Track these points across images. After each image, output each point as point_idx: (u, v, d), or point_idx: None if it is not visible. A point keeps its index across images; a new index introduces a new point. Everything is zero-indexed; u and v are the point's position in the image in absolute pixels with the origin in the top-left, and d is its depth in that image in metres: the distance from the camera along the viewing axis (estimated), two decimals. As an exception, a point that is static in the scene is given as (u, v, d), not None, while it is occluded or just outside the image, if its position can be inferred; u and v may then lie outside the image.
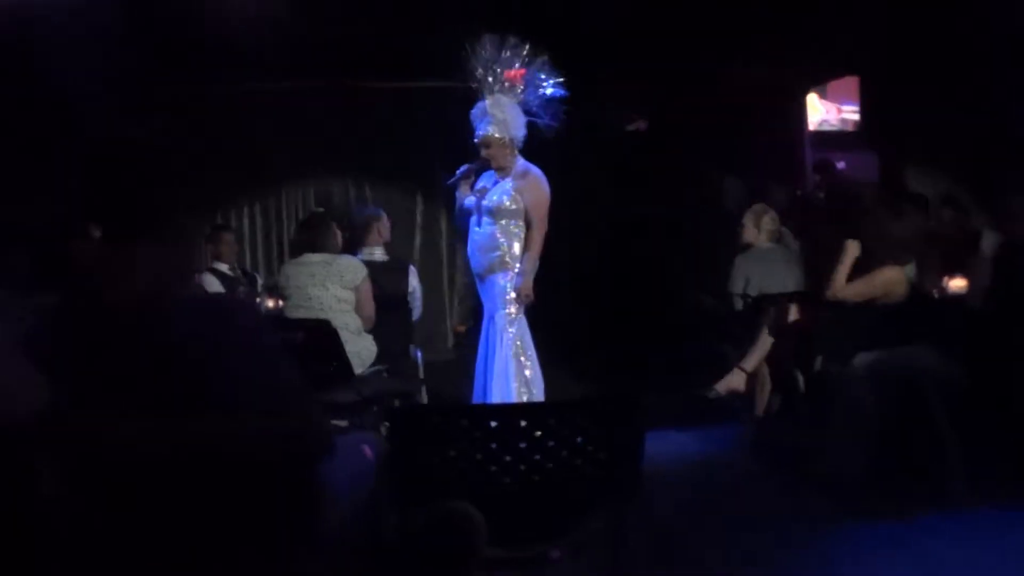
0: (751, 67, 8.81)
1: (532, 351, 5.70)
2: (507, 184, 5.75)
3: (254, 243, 9.37)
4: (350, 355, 5.43)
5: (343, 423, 5.31)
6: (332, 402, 5.02)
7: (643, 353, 7.41)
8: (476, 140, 5.75)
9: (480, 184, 5.88)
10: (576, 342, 8.15)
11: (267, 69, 7.94)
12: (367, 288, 5.79)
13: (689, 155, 8.97)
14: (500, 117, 5.68)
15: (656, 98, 9.31)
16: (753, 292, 6.50)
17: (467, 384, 5.91)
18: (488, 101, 5.71)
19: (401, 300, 6.27)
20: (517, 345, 5.66)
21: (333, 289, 5.70)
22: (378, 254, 6.34)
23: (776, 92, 9.38)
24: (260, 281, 7.53)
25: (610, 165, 9.13)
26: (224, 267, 6.93)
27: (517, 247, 5.74)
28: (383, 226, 6.39)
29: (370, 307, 5.82)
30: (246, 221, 9.36)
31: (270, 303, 6.00)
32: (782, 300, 6.19)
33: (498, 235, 5.74)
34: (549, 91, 5.75)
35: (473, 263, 5.91)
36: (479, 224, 5.81)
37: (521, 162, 5.78)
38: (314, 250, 5.79)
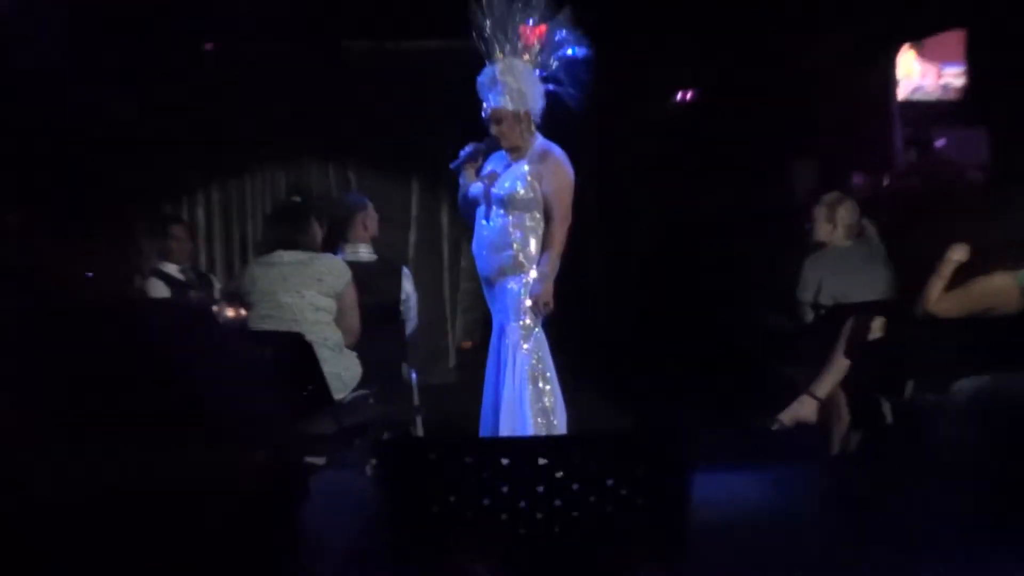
0: (824, 23, 8.77)
1: (552, 372, 5.72)
2: (522, 168, 5.78)
3: (211, 238, 9.40)
4: (329, 376, 5.46)
5: (320, 460, 5.38)
6: (306, 434, 5.07)
7: (690, 376, 7.48)
8: (484, 115, 5.78)
9: (489, 168, 5.92)
10: (607, 362, 8.22)
11: (228, 25, 8.00)
12: (351, 294, 5.82)
13: (749, 135, 8.94)
14: (513, 86, 5.71)
15: (709, 64, 9.29)
16: (827, 301, 6.51)
17: (473, 412, 5.93)
18: (498, 66, 5.72)
19: (392, 309, 6.30)
20: (534, 364, 5.67)
21: (310, 295, 5.72)
22: (364, 253, 6.40)
23: (857, 53, 9.29)
24: (218, 285, 7.53)
25: (651, 147, 9.17)
26: (173, 268, 6.97)
27: (534, 245, 5.76)
28: (370, 219, 6.44)
29: (355, 318, 5.85)
30: (201, 211, 9.38)
31: (230, 312, 6.00)
32: (863, 311, 6.17)
33: (511, 230, 5.77)
34: (571, 52, 5.78)
35: (480, 264, 5.92)
36: (488, 217, 5.84)
37: (539, 141, 5.81)
38: (287, 247, 5.81)
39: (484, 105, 5.77)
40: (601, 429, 6.15)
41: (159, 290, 6.60)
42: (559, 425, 5.64)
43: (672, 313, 8.60)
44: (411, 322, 6.47)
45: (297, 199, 8.16)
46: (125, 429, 2.01)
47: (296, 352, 5.23)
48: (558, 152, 5.79)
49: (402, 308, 6.38)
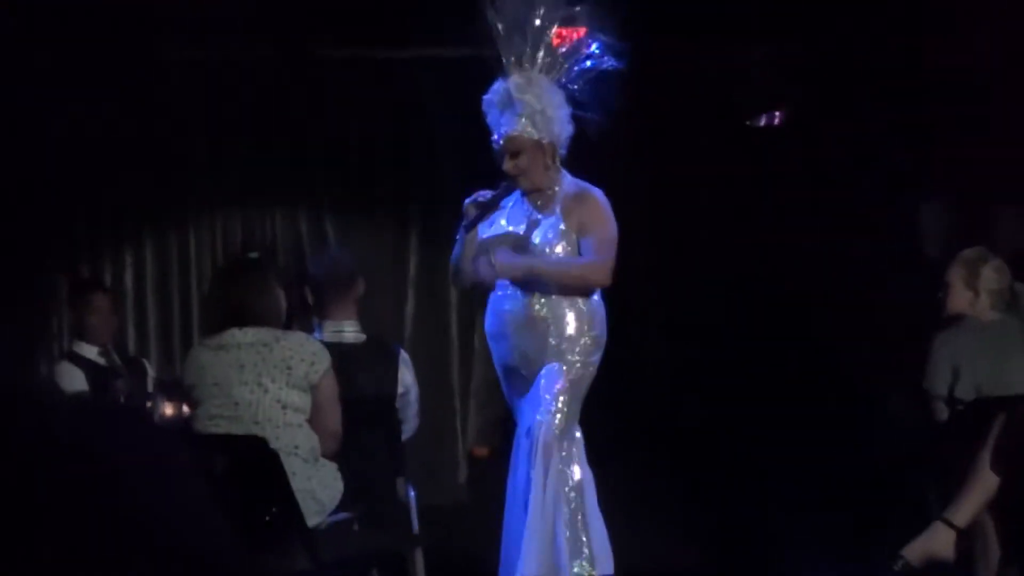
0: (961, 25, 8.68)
1: (592, 490, 5.87)
2: (552, 218, 5.95)
3: (143, 310, 9.42)
4: (301, 495, 5.41)
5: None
6: (271, 572, 5.05)
7: (783, 495, 7.45)
8: (495, 145, 5.92)
9: (502, 220, 6.08)
10: (667, 473, 8.21)
11: (174, 28, 8.17)
12: (331, 386, 5.78)
13: (856, 167, 8.95)
14: (536, 106, 5.83)
15: (803, 77, 9.30)
16: (966, 395, 6.52)
17: (489, 543, 6.02)
18: (515, 80, 5.86)
19: (385, 406, 6.31)
20: (570, 476, 5.80)
21: (275, 388, 5.66)
22: (349, 331, 6.39)
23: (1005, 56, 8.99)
24: (152, 373, 7.57)
25: (724, 182, 9.17)
26: (93, 350, 7.01)
27: (575, 319, 5.93)
28: (356, 285, 6.42)
29: (335, 418, 5.81)
30: (130, 274, 9.41)
31: (168, 410, 6.08)
32: (1016, 408, 6.07)
33: (543, 302, 5.94)
34: (604, 65, 5.97)
35: (499, 351, 6.06)
36: (508, 286, 5.99)
37: (568, 179, 6.01)
38: (244, 323, 5.76)
39: (495, 132, 5.91)
40: None
41: (72, 378, 6.61)
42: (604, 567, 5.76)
43: (756, 403, 8.65)
44: (410, 423, 6.49)
45: (254, 255, 7.99)
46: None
47: (258, 463, 5.23)
48: (597, 192, 5.98)
49: (398, 405, 6.38)
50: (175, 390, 6.13)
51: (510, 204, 6.06)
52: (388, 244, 9.59)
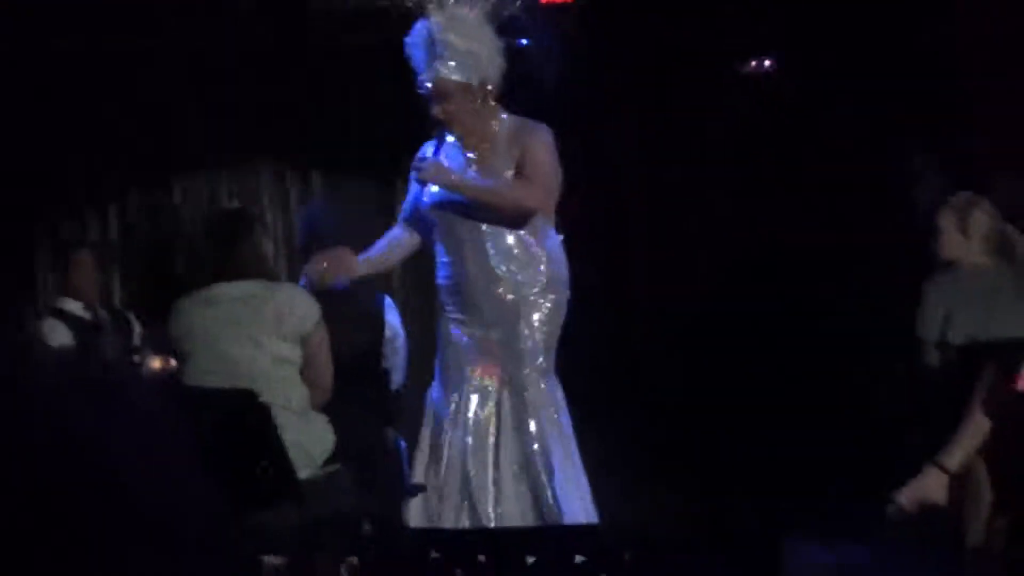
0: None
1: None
2: (493, 163, 5.87)
3: (129, 266, 9.28)
4: (292, 448, 5.40)
5: (278, 560, 5.19)
6: (262, 526, 5.06)
7: (777, 441, 7.53)
8: (421, 90, 5.83)
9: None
10: (655, 422, 8.26)
11: None
12: (322, 337, 5.77)
13: (852, 118, 8.86)
14: (459, 46, 5.74)
15: (795, 23, 9.11)
16: (958, 340, 6.51)
17: None
18: (434, 21, 5.76)
19: (372, 355, 6.36)
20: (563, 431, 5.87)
21: (269, 344, 5.65)
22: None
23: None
24: (138, 329, 7.49)
25: (712, 139, 9.13)
26: (77, 306, 7.02)
27: (542, 265, 5.93)
28: (341, 234, 6.42)
29: (327, 369, 5.82)
30: (115, 228, 9.32)
31: (156, 364, 6.07)
32: (1007, 353, 6.10)
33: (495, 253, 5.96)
34: None
35: (452, 304, 6.05)
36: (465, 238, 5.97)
37: (509, 118, 5.93)
38: (231, 277, 5.73)
39: (419, 77, 5.81)
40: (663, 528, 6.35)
41: (58, 334, 6.62)
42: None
43: (747, 360, 8.61)
44: (398, 372, 6.52)
45: (238, 206, 8.40)
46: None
47: (248, 418, 5.22)
48: (540, 127, 5.89)
49: (386, 354, 6.42)
50: (163, 346, 6.13)
51: (443, 154, 5.93)
52: (375, 197, 9.49)
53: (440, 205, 5.94)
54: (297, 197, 9.38)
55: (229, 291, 5.72)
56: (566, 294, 6.06)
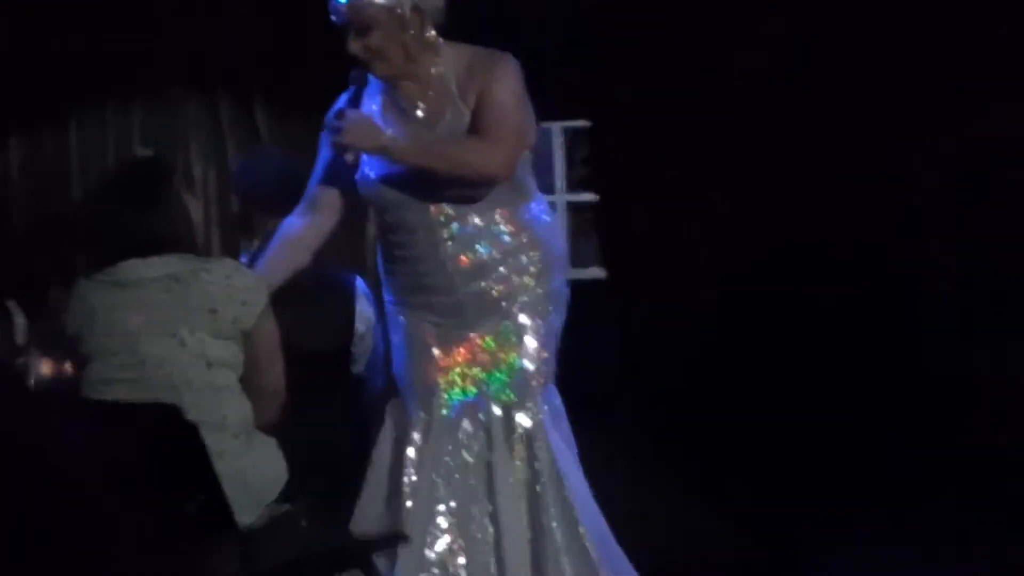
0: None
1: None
2: (448, 111, 5.21)
3: (5, 237, 8.89)
4: (229, 481, 4.79)
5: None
6: None
7: (777, 441, 7.56)
8: (335, 18, 5.14)
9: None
10: (659, 427, 8.07)
11: None
12: (269, 332, 5.15)
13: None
14: None
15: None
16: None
17: None
18: None
19: (339, 355, 6.02)
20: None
21: (195, 340, 5.00)
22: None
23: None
24: (21, 320, 7.18)
25: (729, 132, 8.80)
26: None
27: (529, 251, 5.34)
28: (298, 192, 5.84)
29: (276, 374, 5.21)
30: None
31: (45, 368, 5.66)
32: None
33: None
34: None
35: (415, 301, 5.47)
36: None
37: (457, 49, 5.28)
38: (145, 251, 5.08)
39: (332, 4, 5.17)
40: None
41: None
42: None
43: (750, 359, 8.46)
44: (376, 374, 6.05)
45: (148, 153, 7.77)
46: None
47: (170, 441, 4.59)
48: (504, 56, 5.25)
49: (354, 351, 5.95)
50: (56, 342, 5.60)
51: (374, 105, 5.32)
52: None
53: (375, 181, 5.28)
54: (235, 144, 8.72)
55: (143, 270, 5.07)
56: (563, 282, 5.54)
